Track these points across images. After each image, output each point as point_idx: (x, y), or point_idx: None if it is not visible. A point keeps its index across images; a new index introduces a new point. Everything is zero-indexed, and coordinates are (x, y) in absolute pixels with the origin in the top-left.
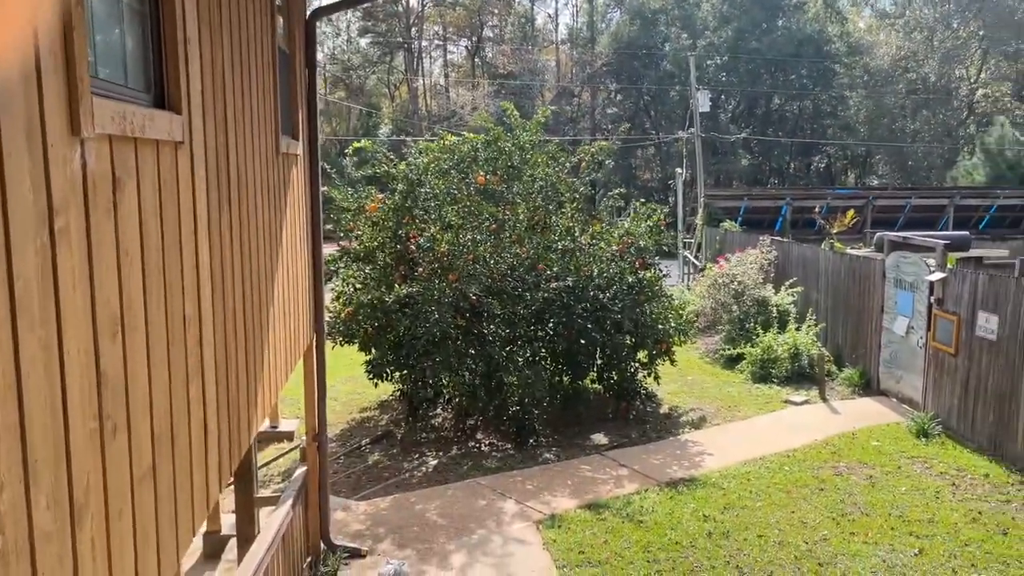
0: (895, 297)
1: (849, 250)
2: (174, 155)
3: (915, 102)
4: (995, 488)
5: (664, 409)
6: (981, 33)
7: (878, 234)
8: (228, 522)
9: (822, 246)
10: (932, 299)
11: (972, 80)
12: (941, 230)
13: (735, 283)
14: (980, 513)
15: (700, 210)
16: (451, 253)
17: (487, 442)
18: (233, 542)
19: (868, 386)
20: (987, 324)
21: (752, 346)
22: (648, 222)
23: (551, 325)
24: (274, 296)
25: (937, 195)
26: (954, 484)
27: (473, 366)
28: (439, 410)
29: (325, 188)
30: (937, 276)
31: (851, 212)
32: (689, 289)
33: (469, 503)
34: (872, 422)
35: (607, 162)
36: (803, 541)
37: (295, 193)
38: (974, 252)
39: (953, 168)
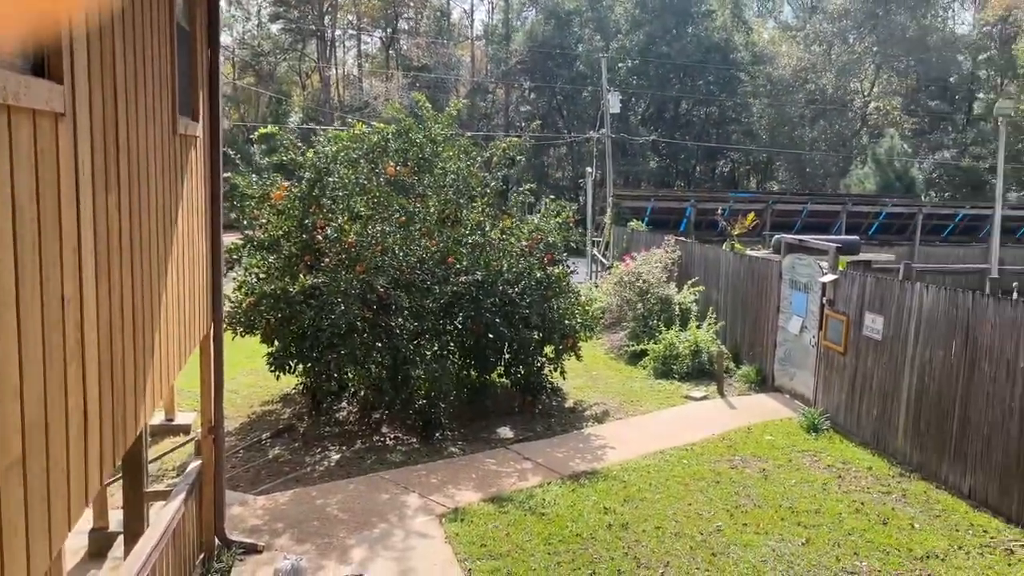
0: (790, 297)
1: (749, 251)
2: (54, 127)
3: (813, 112)
4: (877, 480)
5: (569, 403)
6: (875, 49)
7: (776, 236)
8: (116, 518)
9: (723, 247)
10: (824, 300)
11: (866, 93)
12: (835, 234)
13: (640, 281)
14: (863, 504)
15: (608, 209)
16: (359, 244)
17: (392, 436)
18: (121, 539)
19: (764, 383)
20: (873, 324)
21: (655, 343)
22: (557, 219)
23: (460, 319)
24: (168, 281)
25: (832, 201)
26: (840, 477)
27: (379, 359)
28: (344, 404)
29: (229, 174)
30: (829, 278)
31: (751, 215)
32: (596, 287)
33: (372, 497)
34: (767, 417)
35: (519, 158)
36: (699, 532)
37: (194, 176)
38: (863, 256)
39: (847, 176)
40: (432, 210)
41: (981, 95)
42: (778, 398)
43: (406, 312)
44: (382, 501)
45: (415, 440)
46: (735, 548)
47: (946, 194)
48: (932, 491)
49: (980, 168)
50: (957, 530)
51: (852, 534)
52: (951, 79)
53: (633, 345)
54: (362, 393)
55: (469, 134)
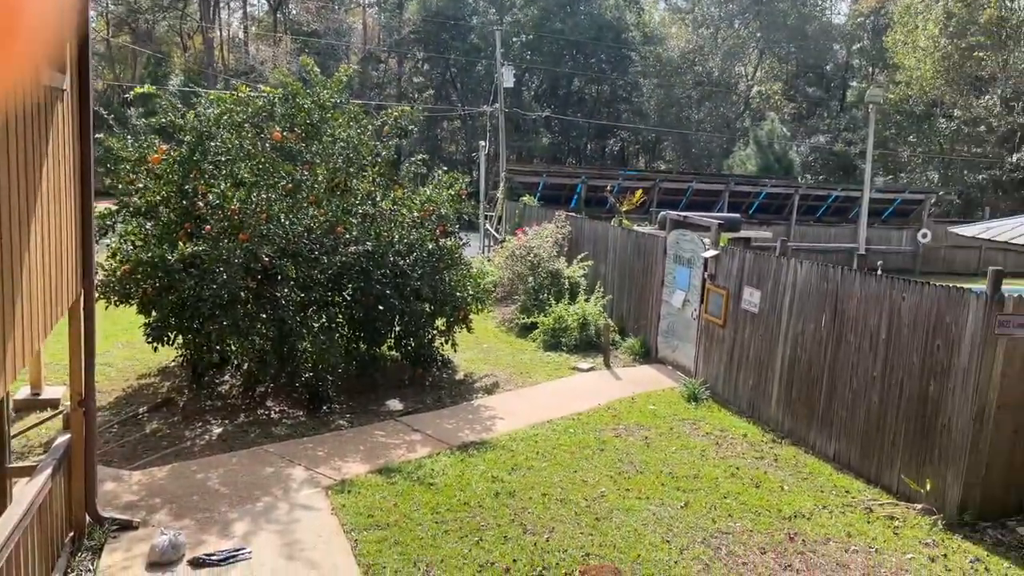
0: (674, 272)
1: (636, 227)
2: None
3: (700, 93)
4: (751, 446)
5: (460, 375)
6: (758, 35)
7: (661, 213)
8: None
9: (612, 223)
10: (706, 274)
11: (749, 78)
12: (718, 212)
13: (532, 255)
14: (738, 469)
15: (501, 184)
16: (243, 211)
17: (278, 409)
18: None
19: (648, 355)
20: (751, 298)
21: (545, 316)
22: (450, 190)
23: (349, 291)
24: (30, 244)
25: (715, 181)
26: (717, 443)
27: (264, 331)
28: (226, 377)
29: (101, 135)
30: (711, 253)
31: (639, 192)
32: (489, 260)
33: (255, 471)
34: (650, 388)
35: (411, 128)
36: (583, 498)
37: (61, 132)
38: (744, 233)
39: (730, 157)
40: (321, 178)
41: (854, 83)
42: (661, 369)
43: (292, 283)
44: (266, 474)
45: (302, 413)
46: (618, 513)
47: (820, 177)
48: (801, 455)
49: (851, 153)
50: (822, 491)
51: (727, 497)
52: (827, 67)
53: (524, 318)
54: (246, 366)
55: (359, 102)
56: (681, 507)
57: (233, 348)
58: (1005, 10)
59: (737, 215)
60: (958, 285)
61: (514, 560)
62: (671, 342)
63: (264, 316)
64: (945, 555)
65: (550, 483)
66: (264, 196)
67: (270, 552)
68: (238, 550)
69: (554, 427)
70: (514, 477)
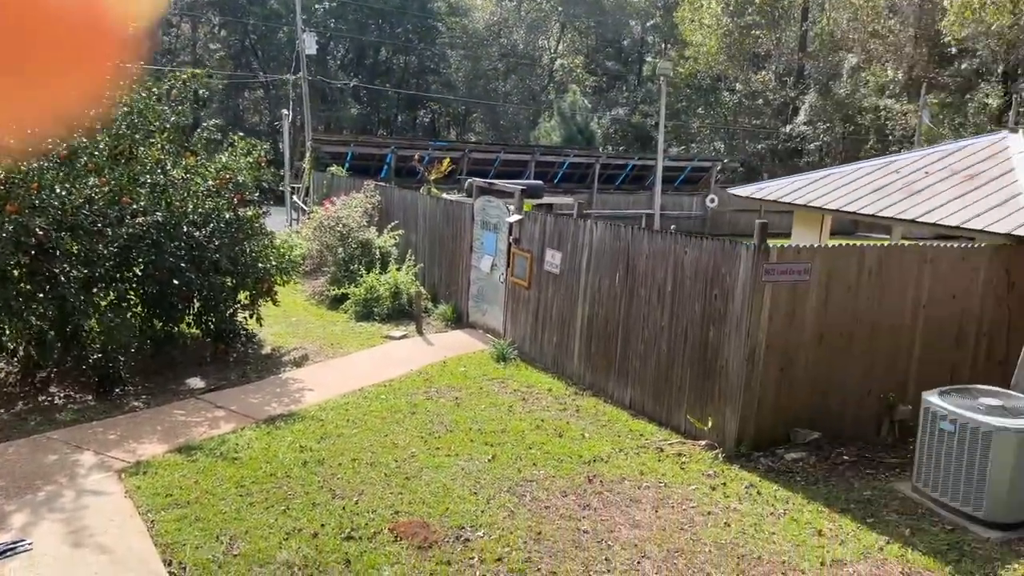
0: (482, 238)
1: (445, 196)
2: None
3: (506, 66)
4: (556, 400)
5: (267, 350)
6: (559, 9)
7: (468, 180)
8: None
9: (421, 191)
10: (511, 239)
11: (552, 51)
12: (525, 180)
13: (341, 226)
14: (543, 421)
15: (308, 154)
16: (9, 181)
17: (63, 395)
18: None
19: (459, 320)
20: (553, 260)
21: (356, 286)
22: (248, 158)
23: (140, 265)
24: None
25: (522, 152)
26: (524, 399)
27: (43, 311)
28: (0, 363)
29: None
30: (515, 218)
31: (447, 161)
32: (297, 233)
33: (35, 459)
34: (462, 351)
35: (204, 93)
36: (394, 460)
37: None
38: (547, 200)
39: (536, 128)
40: (102, 145)
41: (649, 58)
42: (473, 333)
43: (73, 257)
44: (49, 462)
45: (91, 397)
46: (427, 471)
47: (620, 147)
48: (601, 405)
49: (648, 124)
50: (619, 436)
51: (532, 447)
52: (625, 42)
53: (334, 290)
54: (23, 349)
55: (144, 65)
56: (488, 460)
57: (7, 331)
58: None
59: (540, 182)
60: (735, 239)
61: (322, 525)
62: (481, 306)
63: (42, 295)
64: (724, 483)
65: (360, 448)
66: (35, 165)
67: (54, 541)
68: (16, 542)
69: (365, 395)
70: (323, 445)
